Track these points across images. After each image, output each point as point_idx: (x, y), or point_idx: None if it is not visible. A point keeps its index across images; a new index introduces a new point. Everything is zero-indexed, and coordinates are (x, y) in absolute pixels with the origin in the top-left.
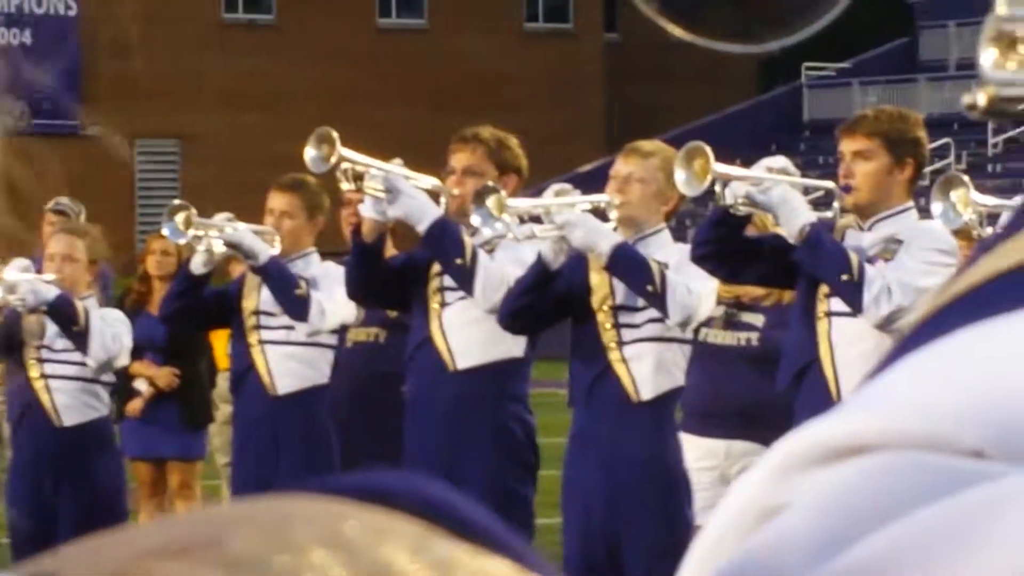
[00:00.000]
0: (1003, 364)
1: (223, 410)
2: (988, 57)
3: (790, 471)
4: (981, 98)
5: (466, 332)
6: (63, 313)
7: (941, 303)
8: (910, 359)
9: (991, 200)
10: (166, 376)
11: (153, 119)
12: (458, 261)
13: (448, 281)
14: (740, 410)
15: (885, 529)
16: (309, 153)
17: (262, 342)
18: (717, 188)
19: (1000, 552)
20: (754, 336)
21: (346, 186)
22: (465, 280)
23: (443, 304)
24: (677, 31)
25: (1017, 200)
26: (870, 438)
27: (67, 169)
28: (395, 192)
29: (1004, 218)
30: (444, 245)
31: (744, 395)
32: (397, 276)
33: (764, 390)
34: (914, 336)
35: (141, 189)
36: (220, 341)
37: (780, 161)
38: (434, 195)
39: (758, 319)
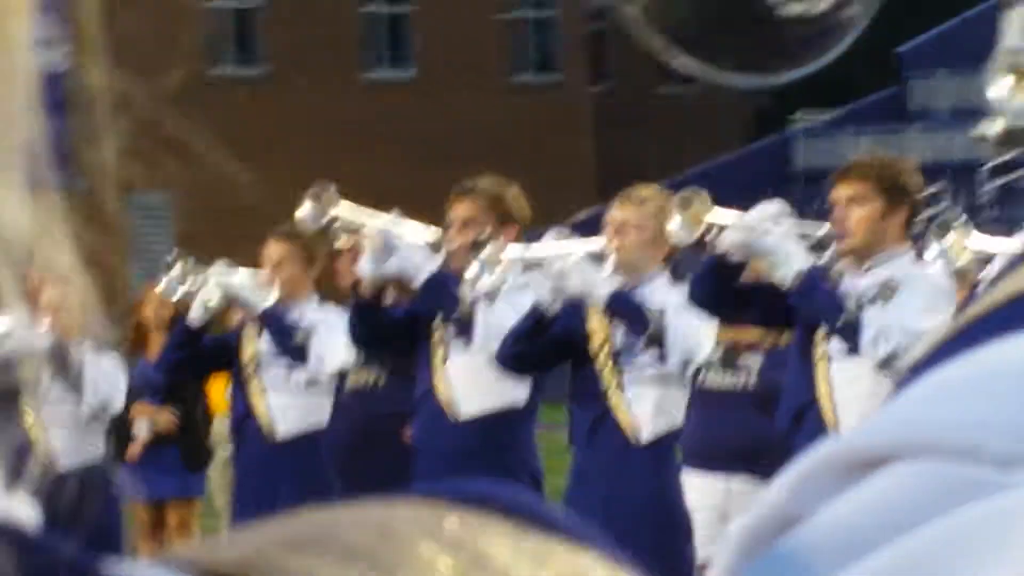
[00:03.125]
0: (1016, 380)
1: (221, 453)
2: (1000, 88)
3: (816, 481)
4: (993, 128)
5: (469, 382)
6: (58, 361)
7: (959, 325)
8: (931, 376)
9: (986, 244)
10: (165, 418)
11: (143, 172)
12: (454, 313)
13: (450, 333)
14: (740, 449)
15: (907, 537)
16: (305, 207)
17: (262, 389)
18: (711, 235)
19: (1019, 557)
20: (752, 378)
21: (340, 241)
22: (464, 329)
23: (446, 356)
24: (687, 64)
25: (1019, 241)
26: (893, 450)
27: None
28: (390, 250)
29: (1000, 259)
30: (440, 299)
31: (744, 435)
32: (401, 329)
33: (763, 429)
34: (933, 356)
35: (140, 239)
36: (216, 385)
37: (775, 206)
38: (435, 246)
39: (756, 361)
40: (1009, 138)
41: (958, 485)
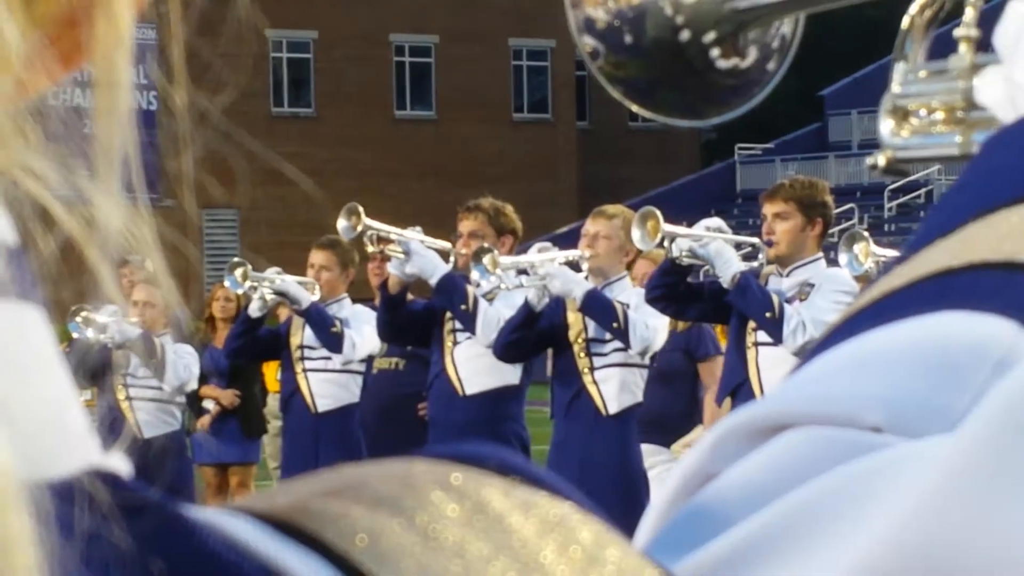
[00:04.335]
0: (894, 359)
1: (273, 424)
2: (886, 127)
3: (728, 444)
4: (881, 160)
5: (472, 365)
6: (144, 348)
7: (846, 315)
8: (820, 358)
9: (886, 252)
10: (229, 396)
11: (217, 192)
12: (462, 307)
13: (458, 324)
14: (649, 418)
15: (798, 489)
16: (341, 222)
17: (305, 370)
18: (666, 243)
19: (891, 499)
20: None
21: (371, 249)
22: (468, 322)
23: (455, 343)
24: (639, 109)
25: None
26: (788, 418)
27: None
28: (411, 254)
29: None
30: (451, 295)
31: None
32: (418, 320)
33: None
34: (824, 342)
35: (207, 247)
36: (270, 369)
37: (716, 221)
38: (444, 254)
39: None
40: (892, 168)
41: (839, 447)
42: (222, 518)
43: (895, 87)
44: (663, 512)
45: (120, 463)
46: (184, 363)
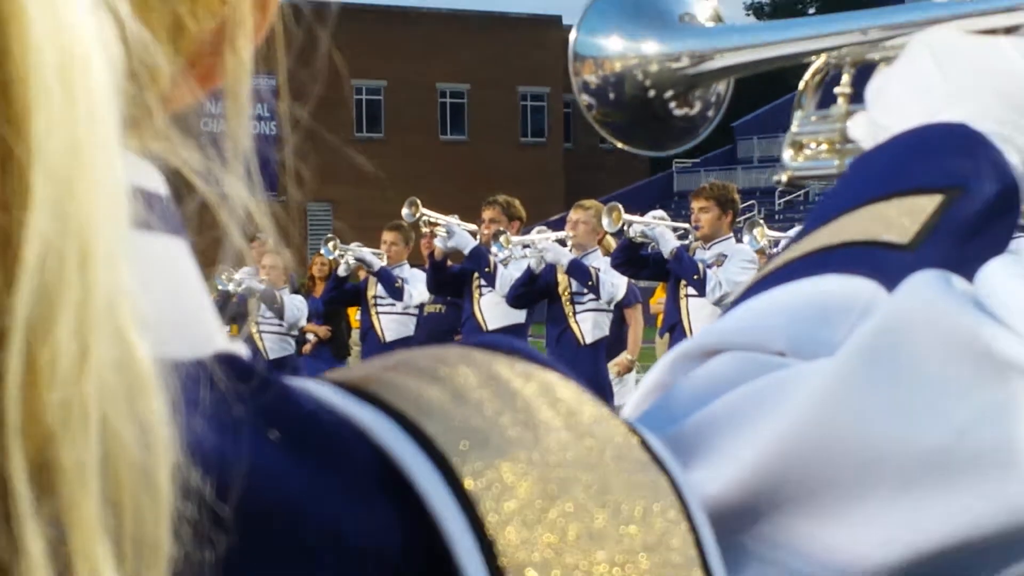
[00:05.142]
0: (792, 307)
1: (355, 350)
2: (787, 154)
3: (678, 363)
4: (783, 177)
5: (492, 310)
6: (269, 298)
7: (757, 277)
8: (744, 305)
9: (776, 233)
10: (324, 331)
11: (317, 189)
12: (486, 270)
13: (483, 282)
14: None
15: (732, 392)
16: (404, 211)
17: (378, 313)
18: (625, 228)
19: (792, 399)
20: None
21: (425, 230)
22: (490, 280)
23: (480, 295)
24: (621, 145)
25: (792, 232)
26: (720, 345)
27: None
28: (452, 233)
29: (784, 241)
30: (478, 261)
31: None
32: (455, 279)
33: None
34: (742, 296)
35: (310, 229)
36: (352, 312)
37: (660, 213)
38: (473, 234)
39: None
40: (792, 183)
41: (756, 365)
42: (314, 386)
43: (794, 128)
44: (631, 411)
45: (241, 349)
46: (296, 308)
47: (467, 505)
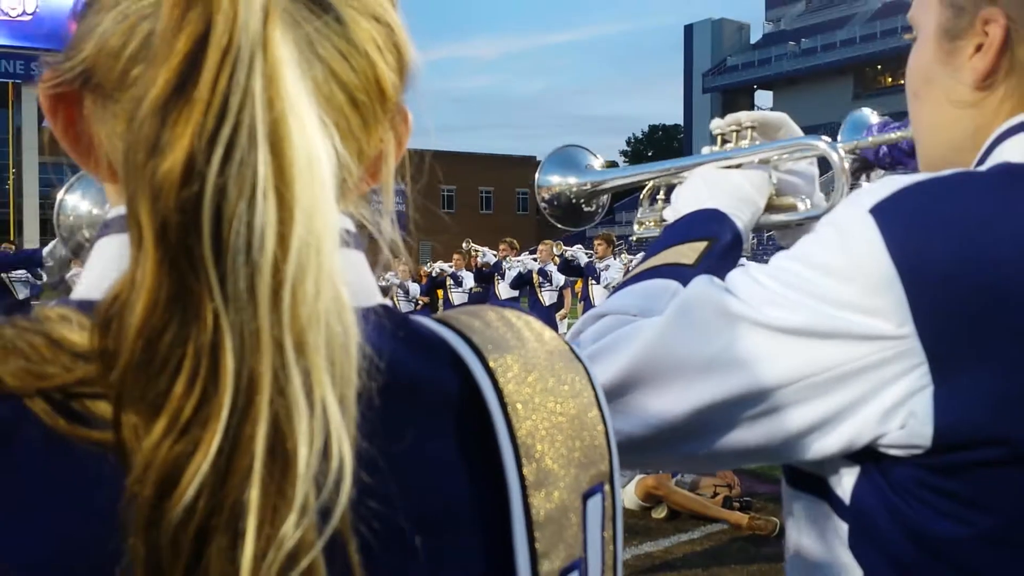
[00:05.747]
0: (641, 293)
1: (440, 311)
2: (637, 226)
3: (587, 322)
4: (637, 232)
5: (504, 294)
6: (400, 286)
7: (625, 279)
8: (619, 292)
9: (634, 258)
10: (425, 299)
11: (422, 234)
12: (499, 273)
13: (499, 278)
14: None
15: (607, 336)
16: (464, 245)
17: (451, 296)
18: (566, 254)
19: (637, 338)
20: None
21: (473, 254)
22: (503, 277)
23: (498, 283)
24: (560, 225)
25: (638, 257)
26: (607, 311)
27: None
28: (485, 255)
29: (635, 261)
30: (496, 268)
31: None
32: (488, 276)
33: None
34: (617, 288)
35: (420, 252)
36: (439, 294)
37: (579, 247)
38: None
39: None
40: (640, 238)
41: (622, 321)
42: (422, 318)
43: (639, 215)
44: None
45: (388, 302)
46: (415, 290)
47: (490, 373)
